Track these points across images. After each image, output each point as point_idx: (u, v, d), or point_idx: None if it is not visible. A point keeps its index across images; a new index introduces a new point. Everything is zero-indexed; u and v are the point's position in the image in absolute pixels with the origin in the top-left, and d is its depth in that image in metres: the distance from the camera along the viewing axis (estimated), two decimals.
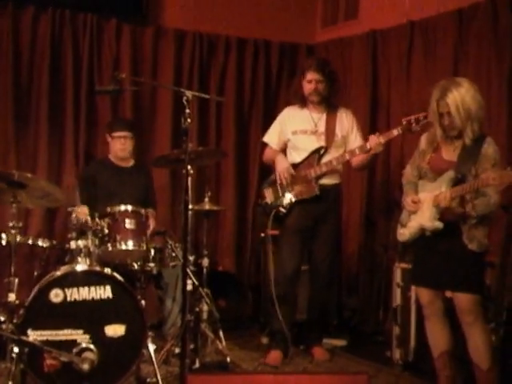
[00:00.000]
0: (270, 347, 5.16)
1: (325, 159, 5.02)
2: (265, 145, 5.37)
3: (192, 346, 4.53)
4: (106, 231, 4.33)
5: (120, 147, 5.26)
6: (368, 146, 4.79)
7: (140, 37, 6.22)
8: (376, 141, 4.73)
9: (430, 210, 3.88)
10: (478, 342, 3.88)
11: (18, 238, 4.09)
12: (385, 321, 5.57)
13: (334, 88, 5.10)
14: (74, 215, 4.24)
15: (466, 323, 3.90)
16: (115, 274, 4.06)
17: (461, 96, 3.76)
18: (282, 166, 5.10)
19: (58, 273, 3.98)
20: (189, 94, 4.16)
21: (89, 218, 4.25)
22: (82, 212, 4.57)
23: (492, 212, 3.87)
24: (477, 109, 3.81)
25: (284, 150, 5.24)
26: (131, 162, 5.41)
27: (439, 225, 3.86)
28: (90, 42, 5.96)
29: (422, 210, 3.94)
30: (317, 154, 5.03)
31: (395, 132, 4.68)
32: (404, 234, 4.07)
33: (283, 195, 5.05)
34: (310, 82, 5.04)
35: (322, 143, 5.05)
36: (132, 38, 6.15)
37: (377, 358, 5.07)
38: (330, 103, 5.13)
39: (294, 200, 5.00)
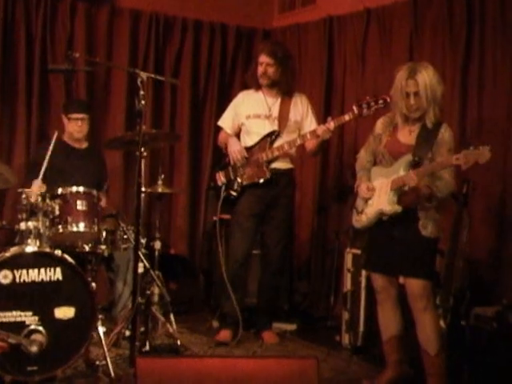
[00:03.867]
0: (220, 328, 5.18)
1: (277, 143, 5.03)
2: (219, 128, 5.36)
3: (142, 329, 4.52)
4: (57, 212, 4.23)
5: (77, 129, 5.18)
6: (318, 132, 4.82)
7: (95, 16, 6.12)
8: (323, 128, 4.77)
9: (387, 194, 3.91)
10: (427, 328, 3.93)
11: None
12: (335, 306, 5.63)
13: (286, 73, 5.09)
14: (24, 196, 4.16)
15: (416, 309, 3.94)
16: (66, 256, 4.00)
17: (429, 77, 3.82)
18: (234, 148, 5.10)
19: (7, 254, 3.91)
20: (143, 75, 4.15)
21: (39, 198, 4.16)
22: (37, 187, 4.46)
23: (449, 194, 3.94)
24: (440, 93, 3.87)
25: (238, 135, 5.24)
26: (85, 144, 5.33)
27: (398, 208, 3.88)
28: (43, 21, 5.84)
29: (378, 195, 3.96)
30: (269, 138, 5.04)
31: (347, 117, 4.74)
32: (361, 220, 4.08)
33: (235, 178, 5.06)
34: (261, 64, 5.04)
35: (275, 128, 5.06)
36: (87, 17, 6.04)
37: (326, 343, 5.11)
38: (284, 88, 5.12)
39: (243, 183, 5.01)
